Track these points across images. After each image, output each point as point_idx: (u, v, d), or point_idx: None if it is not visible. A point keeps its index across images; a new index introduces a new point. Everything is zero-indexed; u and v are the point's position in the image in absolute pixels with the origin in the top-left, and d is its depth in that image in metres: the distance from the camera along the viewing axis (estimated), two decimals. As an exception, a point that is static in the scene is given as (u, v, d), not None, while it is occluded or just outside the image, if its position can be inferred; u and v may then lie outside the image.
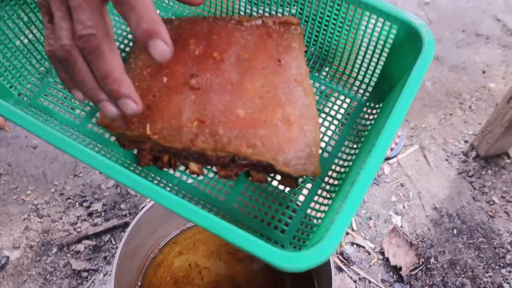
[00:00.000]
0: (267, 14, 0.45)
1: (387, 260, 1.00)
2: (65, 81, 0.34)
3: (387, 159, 1.17)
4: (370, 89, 0.45)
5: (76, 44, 0.30)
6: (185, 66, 0.41)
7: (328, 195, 0.40)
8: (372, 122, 0.42)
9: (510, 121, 1.05)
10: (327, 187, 0.40)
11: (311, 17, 0.44)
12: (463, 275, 0.98)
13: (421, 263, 1.00)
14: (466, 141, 1.21)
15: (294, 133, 0.37)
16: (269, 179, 0.41)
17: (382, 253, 1.02)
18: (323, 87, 0.45)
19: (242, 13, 0.47)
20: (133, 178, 0.30)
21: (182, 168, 0.42)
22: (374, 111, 0.43)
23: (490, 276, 0.98)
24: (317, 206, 0.39)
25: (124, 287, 0.63)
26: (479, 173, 1.14)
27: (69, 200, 1.08)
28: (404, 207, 1.10)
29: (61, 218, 1.05)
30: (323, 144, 0.42)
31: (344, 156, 0.42)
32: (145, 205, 0.68)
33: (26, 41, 0.44)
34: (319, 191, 0.40)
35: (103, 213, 1.06)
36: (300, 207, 0.40)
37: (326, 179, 0.41)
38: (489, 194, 1.11)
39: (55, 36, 0.31)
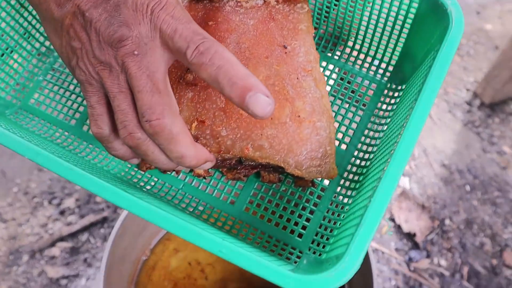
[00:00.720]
0: None
1: (399, 227, 0.96)
2: (119, 156, 0.34)
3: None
4: (390, 68, 0.42)
5: (144, 128, 0.30)
6: None
7: (348, 193, 0.38)
8: (395, 106, 0.40)
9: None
10: (347, 183, 0.39)
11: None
12: (481, 234, 0.95)
13: (436, 226, 0.96)
14: (468, 90, 1.16)
15: (305, 131, 0.35)
16: (282, 177, 0.39)
17: (393, 220, 0.97)
18: (337, 69, 0.43)
19: None
20: (119, 194, 0.28)
21: (187, 170, 0.40)
22: (396, 94, 0.41)
23: (510, 232, 0.95)
24: (336, 206, 0.37)
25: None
26: (486, 123, 1.10)
27: (35, 199, 1.00)
28: (410, 167, 1.05)
29: (28, 221, 0.97)
30: (340, 135, 0.40)
31: (364, 147, 0.40)
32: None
33: (10, 37, 0.43)
34: (338, 189, 0.38)
35: (76, 210, 0.98)
36: (318, 207, 0.37)
37: (345, 174, 0.39)
38: (499, 144, 1.06)
39: (119, 121, 0.30)
